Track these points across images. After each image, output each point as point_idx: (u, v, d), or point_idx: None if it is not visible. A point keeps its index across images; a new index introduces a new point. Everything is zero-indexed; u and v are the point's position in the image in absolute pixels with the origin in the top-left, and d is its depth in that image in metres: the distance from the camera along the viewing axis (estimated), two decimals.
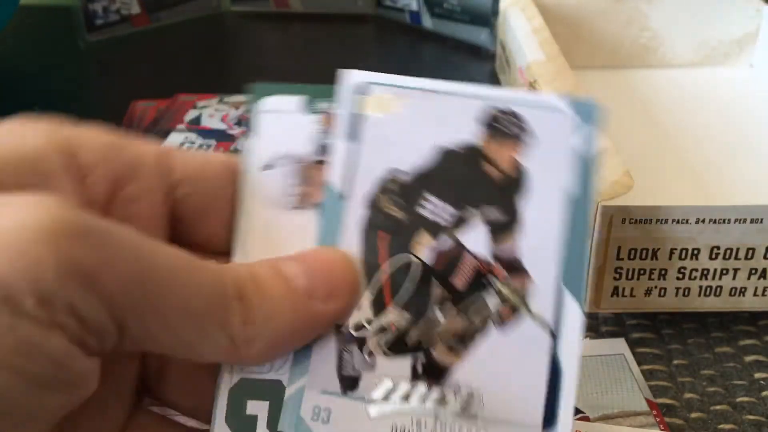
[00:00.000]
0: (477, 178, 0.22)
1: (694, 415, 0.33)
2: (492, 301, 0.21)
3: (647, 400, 0.33)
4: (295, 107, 0.23)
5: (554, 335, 0.20)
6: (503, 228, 0.21)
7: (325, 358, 0.21)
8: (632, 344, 0.37)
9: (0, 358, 0.15)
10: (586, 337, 0.37)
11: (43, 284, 0.16)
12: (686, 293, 0.36)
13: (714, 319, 0.38)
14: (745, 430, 0.33)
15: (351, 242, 0.21)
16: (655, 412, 0.33)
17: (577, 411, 0.33)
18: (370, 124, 0.22)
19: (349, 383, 0.21)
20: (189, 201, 0.22)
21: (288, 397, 0.21)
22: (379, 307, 0.21)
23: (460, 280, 0.21)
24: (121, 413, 0.22)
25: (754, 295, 0.36)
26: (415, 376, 0.21)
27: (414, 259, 0.21)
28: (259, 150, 0.23)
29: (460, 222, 0.22)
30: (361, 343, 0.21)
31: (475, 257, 0.21)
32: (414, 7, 0.69)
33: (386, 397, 0.21)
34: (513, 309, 0.21)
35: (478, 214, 0.22)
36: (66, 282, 0.16)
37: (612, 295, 0.36)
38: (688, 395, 0.34)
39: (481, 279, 0.21)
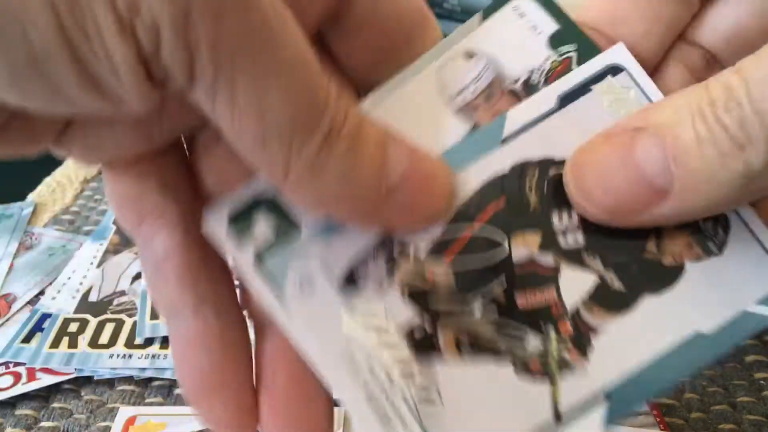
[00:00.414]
0: (639, 249, 0.19)
1: (694, 415, 0.33)
2: (532, 344, 0.19)
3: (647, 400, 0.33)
4: (543, 27, 0.21)
5: (558, 418, 0.19)
6: (610, 301, 0.19)
7: (353, 242, 0.19)
8: None
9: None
10: None
11: None
12: None
13: None
14: (745, 430, 0.33)
15: (470, 179, 0.19)
16: (655, 412, 0.33)
17: None
18: (582, 104, 0.20)
19: (349, 281, 0.19)
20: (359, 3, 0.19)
21: (297, 245, 0.19)
22: (437, 251, 0.19)
23: (524, 300, 0.19)
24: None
25: None
26: (410, 339, 0.19)
27: (506, 245, 0.19)
28: (476, 34, 0.20)
29: (577, 258, 0.19)
30: (391, 265, 0.19)
31: (558, 296, 0.19)
32: None
33: (366, 325, 0.19)
34: (543, 370, 0.19)
35: (602, 269, 0.19)
36: (161, 5, 0.14)
37: None
38: (688, 395, 0.34)
39: (543, 318, 0.19)
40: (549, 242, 0.19)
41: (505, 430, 0.19)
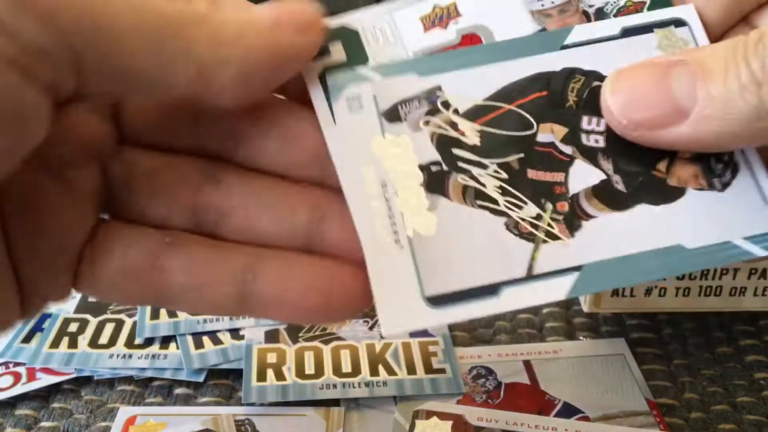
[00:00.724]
0: (650, 172, 0.22)
1: (694, 415, 0.33)
2: (529, 210, 0.22)
3: (647, 400, 0.33)
4: None
5: (531, 276, 0.21)
6: (610, 198, 0.22)
7: (406, 86, 0.22)
8: (632, 344, 0.37)
9: None
10: (586, 337, 0.37)
11: None
12: (686, 293, 0.36)
13: (714, 319, 0.38)
14: (745, 430, 0.33)
15: (523, 68, 0.23)
16: (655, 412, 0.33)
17: (577, 411, 0.33)
18: (641, 40, 0.23)
19: (391, 113, 0.22)
20: None
21: (359, 71, 0.23)
22: (473, 113, 0.22)
23: (534, 174, 0.22)
24: (82, 223, 0.21)
25: (754, 295, 0.36)
26: (426, 171, 0.22)
27: (534, 127, 0.22)
28: None
29: (593, 156, 0.22)
30: (431, 112, 0.22)
31: (565, 179, 0.22)
32: None
33: (392, 148, 0.22)
34: (531, 233, 0.21)
35: (611, 171, 0.22)
36: (17, 13, 0.15)
37: (612, 295, 0.36)
38: (688, 395, 0.34)
39: (545, 194, 0.22)
40: (572, 137, 0.22)
41: (482, 271, 0.21)
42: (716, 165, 0.22)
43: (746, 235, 0.21)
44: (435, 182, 0.22)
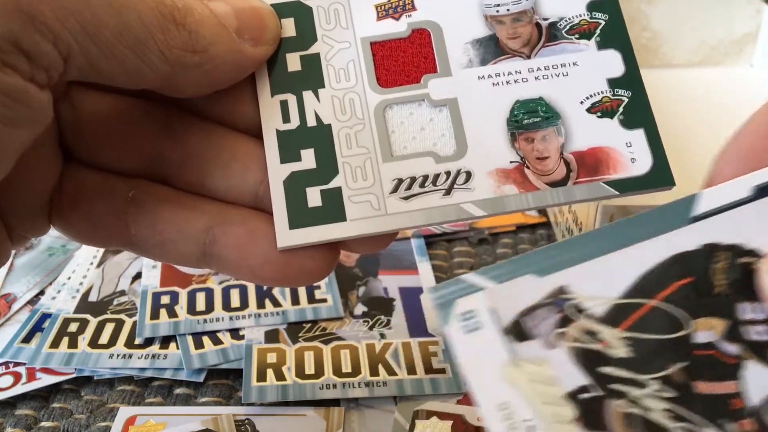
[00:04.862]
0: None
1: None
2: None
3: None
4: None
5: None
6: None
7: (526, 294, 0.20)
8: None
9: None
10: None
11: None
12: None
13: None
14: None
15: (654, 253, 0.19)
16: None
17: None
18: None
19: (516, 330, 0.19)
20: None
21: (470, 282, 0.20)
22: (612, 316, 0.19)
23: (702, 387, 0.18)
24: (47, 169, 0.23)
25: None
26: (574, 399, 0.18)
27: (687, 325, 0.19)
28: None
29: (765, 354, 0.18)
30: (562, 322, 0.19)
31: (740, 390, 0.18)
32: None
33: (529, 375, 0.19)
34: None
35: None
36: (9, 22, 0.17)
37: None
38: None
39: (721, 411, 0.18)
40: (733, 331, 0.18)
41: None
42: None
43: None
44: (589, 414, 0.18)
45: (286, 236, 0.23)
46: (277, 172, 0.23)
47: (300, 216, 0.23)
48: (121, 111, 0.24)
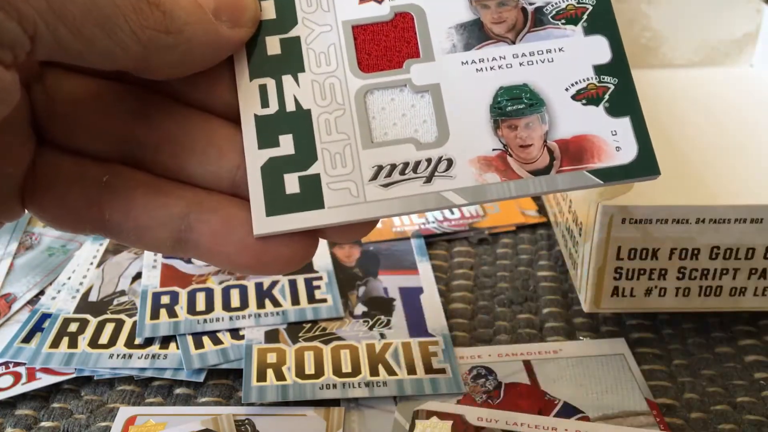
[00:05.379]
0: None
1: (694, 415, 0.33)
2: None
3: (647, 400, 0.33)
4: None
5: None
6: None
7: None
8: (632, 344, 0.37)
9: None
10: (586, 337, 0.37)
11: None
12: (686, 293, 0.36)
13: (714, 319, 0.38)
14: (745, 430, 0.33)
15: None
16: (655, 412, 0.33)
17: (577, 411, 0.33)
18: None
19: None
20: None
21: None
22: None
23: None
24: (19, 152, 0.22)
25: (754, 295, 0.36)
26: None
27: None
28: None
29: None
30: None
31: None
32: None
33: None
34: None
35: None
36: None
37: (612, 295, 0.36)
38: (688, 395, 0.34)
39: None
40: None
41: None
42: None
43: None
44: None
45: (263, 223, 0.23)
46: (255, 157, 0.23)
47: (277, 203, 0.23)
48: (95, 94, 0.23)
